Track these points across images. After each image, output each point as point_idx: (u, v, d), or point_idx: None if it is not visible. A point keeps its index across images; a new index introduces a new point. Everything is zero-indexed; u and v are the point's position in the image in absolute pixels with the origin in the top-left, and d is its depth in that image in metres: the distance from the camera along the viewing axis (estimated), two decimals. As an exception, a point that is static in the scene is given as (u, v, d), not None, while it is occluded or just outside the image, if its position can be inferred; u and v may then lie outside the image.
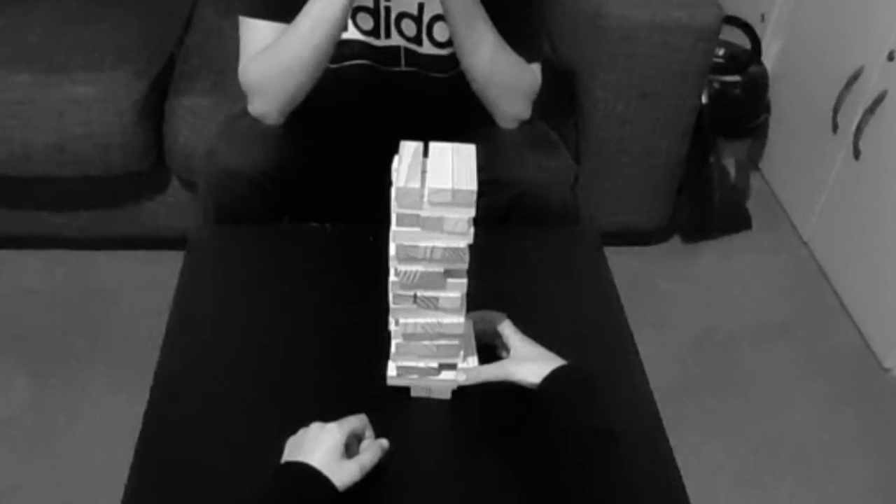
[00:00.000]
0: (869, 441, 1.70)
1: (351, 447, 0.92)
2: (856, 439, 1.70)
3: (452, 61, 1.32)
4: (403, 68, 1.35)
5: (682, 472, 0.99)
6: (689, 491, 0.97)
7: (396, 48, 1.33)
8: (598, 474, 0.88)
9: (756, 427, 1.71)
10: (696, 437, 1.66)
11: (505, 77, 1.31)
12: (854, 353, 1.89)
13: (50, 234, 1.93)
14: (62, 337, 1.80)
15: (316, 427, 0.91)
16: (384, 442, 0.95)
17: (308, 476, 0.86)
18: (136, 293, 1.89)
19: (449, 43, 1.31)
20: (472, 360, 1.03)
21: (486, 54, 1.26)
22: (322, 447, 0.88)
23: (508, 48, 1.29)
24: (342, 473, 0.87)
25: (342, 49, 1.30)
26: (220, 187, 1.32)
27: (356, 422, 0.94)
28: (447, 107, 1.35)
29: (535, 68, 1.36)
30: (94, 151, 1.72)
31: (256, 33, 1.28)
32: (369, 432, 0.95)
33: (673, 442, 1.03)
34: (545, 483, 0.92)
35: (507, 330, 1.03)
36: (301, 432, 0.91)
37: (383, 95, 1.37)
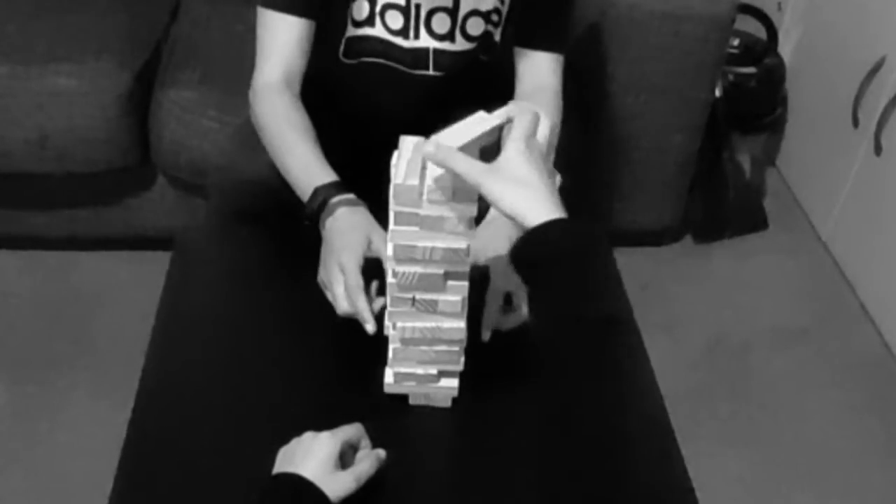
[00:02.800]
0: (892, 451, 1.69)
1: (346, 457, 0.92)
2: (878, 449, 1.70)
3: (477, 53, 1.33)
4: (431, 72, 1.34)
5: (695, 484, 0.99)
6: (702, 503, 0.97)
7: (425, 50, 1.32)
8: (594, 366, 0.78)
9: (772, 436, 1.71)
10: (710, 446, 1.66)
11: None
12: (876, 358, 1.88)
13: (30, 233, 1.93)
14: (43, 341, 1.80)
15: (309, 437, 0.91)
16: (381, 452, 0.95)
17: (300, 488, 0.86)
18: (121, 295, 1.89)
19: (480, 37, 1.31)
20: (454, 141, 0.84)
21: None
22: (315, 458, 0.88)
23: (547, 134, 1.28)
24: (336, 485, 0.87)
25: (362, 45, 1.29)
26: (241, 198, 1.32)
27: (351, 431, 0.94)
28: (464, 109, 1.35)
29: (559, 60, 1.35)
30: (76, 147, 1.72)
31: (274, 27, 1.25)
32: (365, 442, 0.96)
33: (685, 452, 1.03)
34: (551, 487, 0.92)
35: (517, 130, 0.82)
36: (293, 442, 0.91)
37: (401, 99, 1.36)
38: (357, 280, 1.04)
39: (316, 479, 0.86)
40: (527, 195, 0.81)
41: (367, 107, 1.38)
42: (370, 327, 1.03)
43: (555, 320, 0.78)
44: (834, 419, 1.75)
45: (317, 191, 1.14)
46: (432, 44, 1.31)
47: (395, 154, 0.92)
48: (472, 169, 0.82)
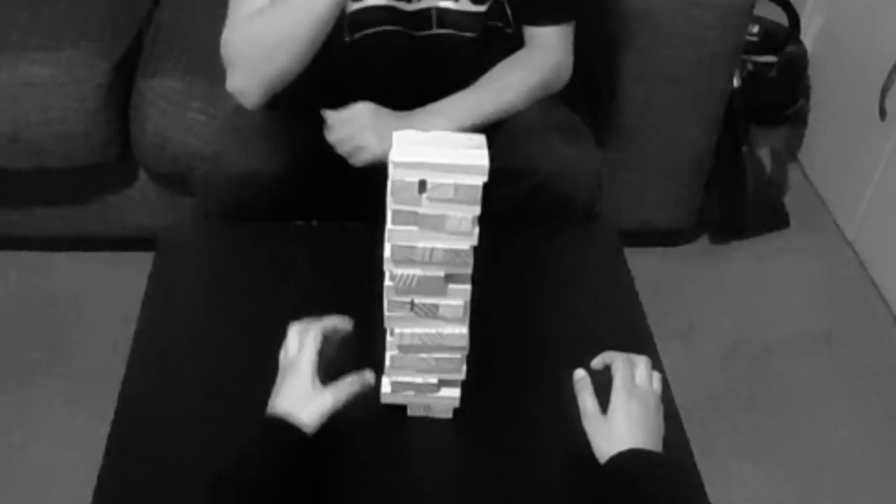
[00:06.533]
0: (921, 465, 1.70)
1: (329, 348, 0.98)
2: (906, 463, 1.70)
3: (486, 18, 1.36)
4: (434, 30, 1.37)
5: (712, 500, 0.99)
6: (720, 521, 0.97)
7: (427, 10, 1.35)
8: None
9: (795, 449, 1.71)
10: (728, 460, 1.66)
11: (536, 99, 1.39)
12: (904, 366, 1.89)
13: (2, 233, 1.93)
14: (16, 347, 1.80)
15: (284, 356, 0.98)
16: (369, 376, 0.97)
17: (275, 427, 0.91)
18: (100, 299, 1.89)
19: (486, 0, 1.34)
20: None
21: (516, 107, 1.36)
22: (291, 385, 0.94)
23: (520, 85, 1.37)
24: (313, 407, 0.92)
25: (361, 17, 1.32)
26: (230, 193, 1.32)
27: (328, 326, 0.99)
28: (473, 72, 1.37)
29: (565, 31, 1.39)
30: (52, 141, 1.72)
31: None
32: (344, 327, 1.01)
33: (701, 466, 1.03)
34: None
35: (618, 379, 0.99)
36: (282, 353, 0.99)
37: (406, 64, 1.38)
38: None
39: (292, 406, 0.92)
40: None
41: (371, 82, 1.39)
42: None
43: None
44: (861, 431, 1.75)
45: None
46: (435, 3, 1.33)
47: (393, 150, 0.92)
48: (587, 413, 0.98)
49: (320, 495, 0.92)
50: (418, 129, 0.92)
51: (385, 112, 1.32)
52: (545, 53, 1.39)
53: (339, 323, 1.01)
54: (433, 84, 1.35)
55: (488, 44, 1.38)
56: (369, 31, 1.34)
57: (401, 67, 1.39)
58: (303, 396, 0.93)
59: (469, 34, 1.37)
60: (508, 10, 1.38)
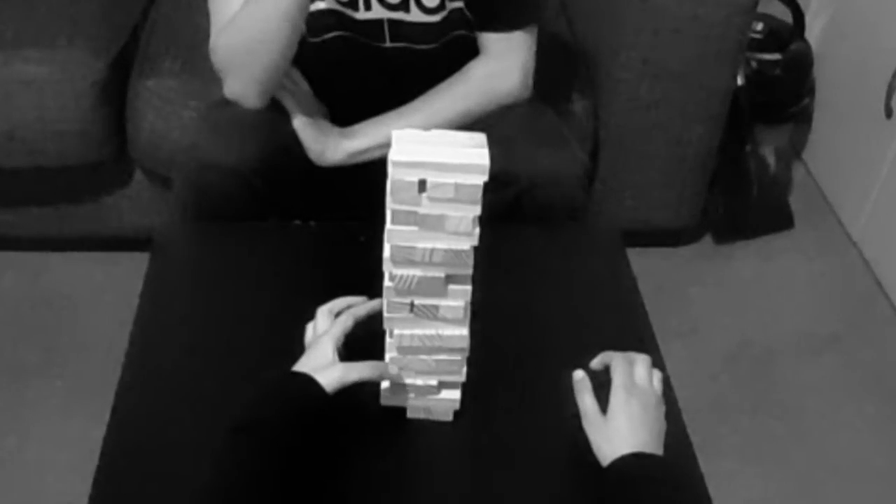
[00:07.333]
0: (927, 468, 1.70)
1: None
2: (912, 466, 1.70)
3: (442, 28, 1.34)
4: (388, 44, 1.36)
5: (715, 503, 1.00)
6: (723, 525, 0.97)
7: (379, 21, 1.34)
8: None
9: (799, 452, 1.71)
10: (731, 463, 1.66)
11: (479, 111, 1.36)
12: (911, 368, 1.89)
13: (-3, 232, 1.93)
14: (11, 349, 1.80)
15: (313, 338, 1.03)
16: (389, 370, 1.00)
17: (301, 382, 0.95)
18: (95, 300, 1.89)
19: (439, 8, 1.32)
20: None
21: (450, 122, 1.32)
22: (308, 359, 0.99)
23: (456, 97, 1.35)
24: (329, 377, 0.95)
25: (320, 21, 1.32)
26: (203, 185, 1.32)
27: (346, 322, 1.02)
28: (435, 85, 1.36)
29: (520, 38, 1.35)
30: (47, 139, 1.72)
31: (226, 1, 1.29)
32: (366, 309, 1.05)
33: (704, 469, 1.03)
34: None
35: (617, 378, 1.00)
36: (308, 332, 1.05)
37: (370, 73, 1.38)
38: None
39: (311, 372, 0.96)
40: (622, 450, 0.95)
41: (341, 85, 1.39)
42: None
43: None
44: (866, 433, 1.75)
45: None
46: (386, 14, 1.32)
47: (392, 149, 0.92)
48: (587, 415, 0.99)
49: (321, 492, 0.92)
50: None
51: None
52: (490, 62, 1.37)
53: (372, 308, 1.05)
54: (394, 97, 1.35)
55: (453, 55, 1.36)
56: (326, 35, 1.35)
57: (361, 77, 1.39)
58: (322, 364, 0.96)
59: (425, 47, 1.36)
60: (467, 12, 1.35)
